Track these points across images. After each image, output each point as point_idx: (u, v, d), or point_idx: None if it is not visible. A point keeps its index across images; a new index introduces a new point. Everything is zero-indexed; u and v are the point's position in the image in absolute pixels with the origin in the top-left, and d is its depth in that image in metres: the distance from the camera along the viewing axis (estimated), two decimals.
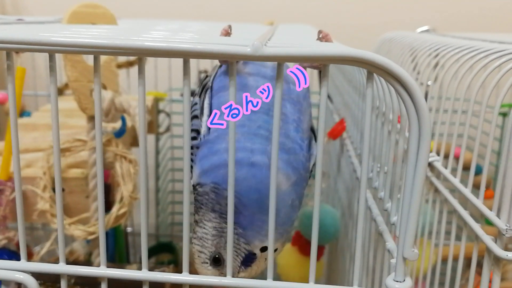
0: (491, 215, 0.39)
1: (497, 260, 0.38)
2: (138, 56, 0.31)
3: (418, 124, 0.30)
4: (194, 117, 0.45)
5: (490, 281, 0.39)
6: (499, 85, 0.44)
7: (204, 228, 0.41)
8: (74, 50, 0.31)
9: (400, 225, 0.32)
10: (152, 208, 1.11)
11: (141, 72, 0.32)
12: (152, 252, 1.05)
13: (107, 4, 0.62)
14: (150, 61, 1.00)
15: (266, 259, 0.40)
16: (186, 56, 0.30)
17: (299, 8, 1.22)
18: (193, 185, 0.42)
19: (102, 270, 0.34)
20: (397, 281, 0.33)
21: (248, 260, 0.40)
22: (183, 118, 0.32)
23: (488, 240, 0.39)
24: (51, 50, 0.31)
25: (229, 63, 0.31)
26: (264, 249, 0.40)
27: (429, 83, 0.59)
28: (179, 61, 0.32)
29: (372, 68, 0.30)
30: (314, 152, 0.43)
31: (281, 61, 0.30)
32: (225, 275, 0.36)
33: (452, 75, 0.51)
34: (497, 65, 0.46)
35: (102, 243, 0.35)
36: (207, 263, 0.40)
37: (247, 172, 0.39)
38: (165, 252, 1.05)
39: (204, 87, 0.46)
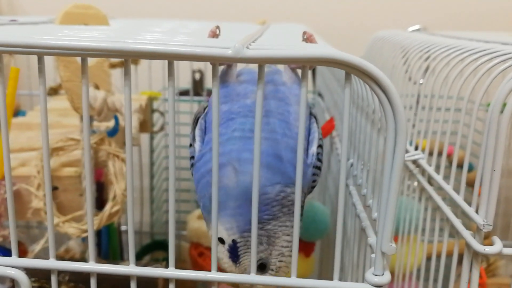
0: (470, 210, 0.40)
1: (475, 254, 0.39)
2: (123, 58, 0.32)
3: (394, 123, 0.31)
4: (189, 145, 0.45)
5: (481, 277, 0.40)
6: (482, 82, 0.45)
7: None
8: (61, 52, 0.32)
9: (379, 220, 0.33)
10: (146, 206, 1.12)
11: (126, 73, 0.32)
12: (147, 249, 1.06)
13: (102, 4, 0.63)
14: (144, 61, 1.01)
15: None
16: (169, 58, 0.31)
17: (293, 7, 1.23)
18: None
19: (90, 266, 0.35)
20: (376, 275, 0.34)
21: None
22: (169, 118, 0.33)
23: (467, 235, 0.40)
24: (39, 52, 0.32)
25: (212, 65, 0.32)
26: None
27: (421, 81, 0.60)
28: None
29: (350, 69, 0.31)
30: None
31: (261, 63, 0.31)
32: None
33: (438, 72, 0.52)
34: (479, 64, 0.47)
35: (91, 239, 0.36)
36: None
37: None
38: (160, 250, 1.06)
39: (195, 119, 0.46)
